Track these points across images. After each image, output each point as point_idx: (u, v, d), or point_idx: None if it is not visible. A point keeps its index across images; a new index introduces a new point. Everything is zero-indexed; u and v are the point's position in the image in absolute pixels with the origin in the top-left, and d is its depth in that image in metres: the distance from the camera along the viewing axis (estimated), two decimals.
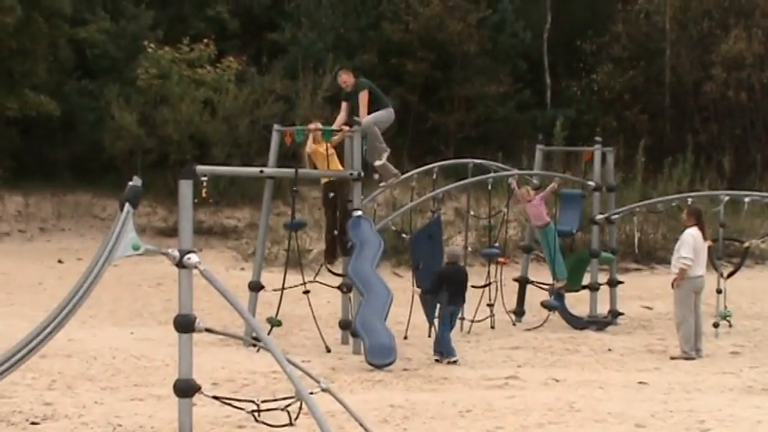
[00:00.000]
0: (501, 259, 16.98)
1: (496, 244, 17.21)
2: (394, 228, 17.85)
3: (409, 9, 30.53)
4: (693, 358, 13.81)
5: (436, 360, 13.28)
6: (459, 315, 15.63)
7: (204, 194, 12.65)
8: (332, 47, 28.71)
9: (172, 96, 25.04)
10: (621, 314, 17.56)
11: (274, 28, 29.83)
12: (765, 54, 31.63)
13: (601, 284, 17.39)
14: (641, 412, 9.89)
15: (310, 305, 13.97)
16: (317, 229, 20.94)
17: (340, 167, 14.40)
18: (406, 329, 14.95)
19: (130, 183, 6.78)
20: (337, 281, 14.35)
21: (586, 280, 17.47)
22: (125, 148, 24.69)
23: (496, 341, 15.15)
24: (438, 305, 13.81)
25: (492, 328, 16.12)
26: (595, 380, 12.02)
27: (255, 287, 14.50)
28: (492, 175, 17.24)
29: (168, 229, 23.63)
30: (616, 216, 18.03)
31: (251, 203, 24.41)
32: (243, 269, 20.97)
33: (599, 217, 17.44)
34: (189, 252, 6.65)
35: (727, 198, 16.99)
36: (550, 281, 17.07)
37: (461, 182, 17.47)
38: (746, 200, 17.41)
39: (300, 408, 7.27)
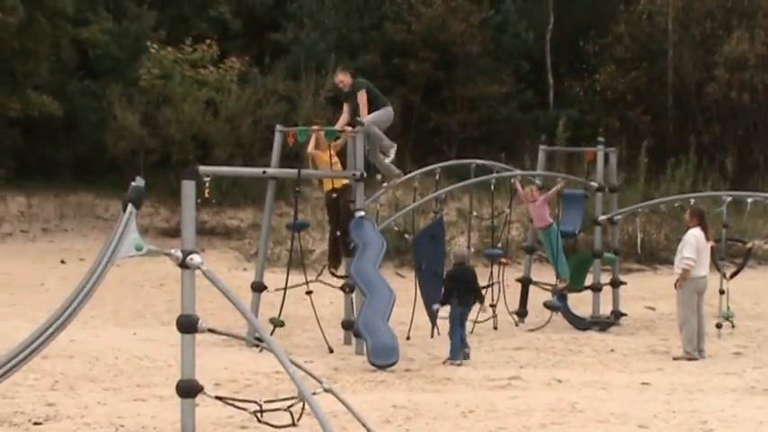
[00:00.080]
0: (503, 260, 16.98)
1: (499, 245, 17.21)
2: (396, 228, 17.84)
3: (412, 9, 30.54)
4: (696, 359, 13.81)
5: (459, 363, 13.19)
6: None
7: (207, 195, 12.65)
8: (334, 47, 28.71)
9: (174, 97, 25.03)
10: (624, 315, 17.55)
11: (277, 28, 29.83)
12: None
13: (603, 285, 17.38)
14: (644, 413, 9.89)
15: (313, 306, 13.97)
16: (320, 230, 20.95)
17: (343, 179, 14.41)
18: (409, 330, 14.95)
19: (133, 183, 6.78)
20: (340, 281, 14.36)
21: (589, 280, 17.46)
22: (128, 148, 24.68)
23: (499, 342, 15.14)
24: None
25: (495, 328, 16.11)
26: (598, 380, 12.01)
27: (258, 288, 14.50)
28: (495, 175, 17.23)
29: (171, 230, 23.63)
30: (619, 217, 18.02)
31: (254, 204, 24.40)
32: (245, 270, 20.96)
33: (602, 217, 17.43)
34: (192, 252, 6.65)
35: (729, 199, 16.97)
36: (553, 281, 17.06)
37: (464, 182, 17.46)
38: (749, 200, 17.39)
39: (303, 408, 7.27)
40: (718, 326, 15.84)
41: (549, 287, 17.08)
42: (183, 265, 6.65)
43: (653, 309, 18.96)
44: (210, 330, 6.82)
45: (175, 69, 25.28)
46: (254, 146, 24.97)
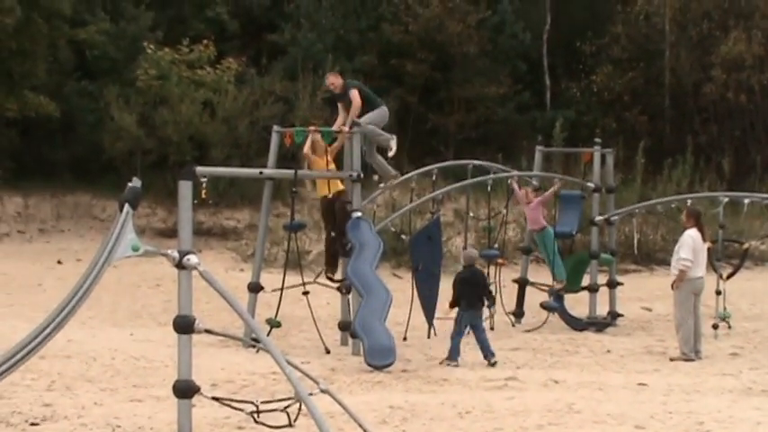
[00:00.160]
0: (500, 260, 16.98)
1: (496, 245, 17.22)
2: (393, 229, 17.85)
3: (409, 10, 30.55)
4: (693, 360, 13.81)
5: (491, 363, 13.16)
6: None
7: (204, 195, 12.65)
8: (332, 48, 28.71)
9: (171, 97, 25.04)
10: (621, 315, 17.56)
11: (274, 29, 29.83)
12: (765, 55, 31.65)
13: (600, 286, 17.39)
14: (641, 414, 9.89)
15: (309, 306, 13.97)
16: (317, 231, 20.94)
17: (339, 183, 14.41)
18: (406, 331, 14.95)
19: (130, 184, 6.79)
20: (337, 282, 14.37)
21: (586, 281, 17.47)
22: (125, 148, 24.68)
23: (496, 342, 15.08)
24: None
25: (491, 329, 16.09)
26: (595, 381, 12.01)
27: (255, 288, 14.50)
28: (491, 176, 17.24)
29: (168, 230, 23.62)
30: (615, 217, 18.04)
31: (250, 204, 24.40)
32: (242, 270, 20.97)
33: (598, 218, 17.45)
34: (188, 253, 6.66)
35: (726, 199, 16.99)
36: (550, 282, 17.07)
37: (461, 183, 17.48)
38: (746, 201, 17.41)
39: (300, 409, 7.28)
40: (715, 327, 15.86)
41: (546, 288, 17.09)
42: (180, 265, 6.66)
43: (649, 309, 18.97)
44: (207, 331, 6.82)
45: (172, 70, 25.28)
46: (251, 146, 24.98)
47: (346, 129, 14.28)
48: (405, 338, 14.73)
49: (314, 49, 28.73)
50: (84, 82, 26.45)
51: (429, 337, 15.13)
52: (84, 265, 6.93)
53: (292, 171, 14.29)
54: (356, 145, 14.10)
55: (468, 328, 13.52)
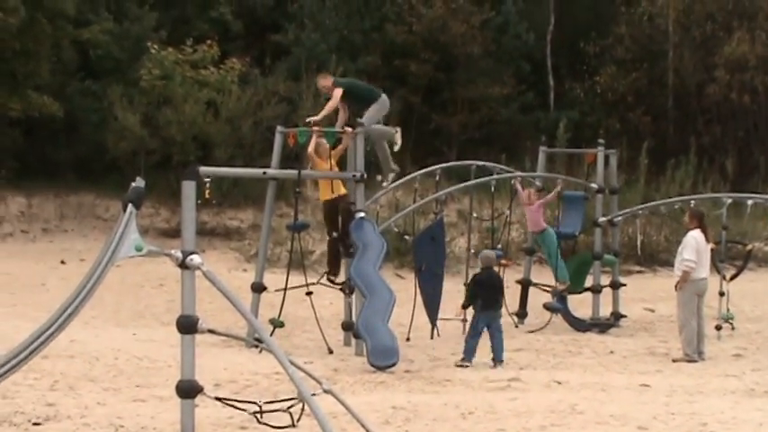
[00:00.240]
0: (504, 261, 16.98)
1: (499, 246, 17.21)
2: (396, 229, 17.86)
3: (412, 11, 30.55)
4: (696, 361, 13.81)
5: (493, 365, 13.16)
6: (462, 317, 15.69)
7: (207, 195, 12.66)
8: (335, 48, 28.71)
9: (175, 97, 25.04)
10: (624, 316, 17.55)
11: (277, 29, 29.83)
12: None
13: (603, 287, 17.38)
14: (643, 415, 9.89)
15: (313, 306, 13.97)
16: (320, 231, 20.91)
17: (342, 188, 14.41)
18: (409, 331, 14.96)
19: (133, 184, 6.78)
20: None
21: (589, 282, 17.46)
22: (128, 148, 24.68)
23: None
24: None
25: None
26: (598, 382, 12.01)
27: (258, 288, 14.51)
28: (495, 176, 17.23)
29: (171, 230, 23.63)
30: (619, 218, 18.04)
31: (254, 205, 24.41)
32: (245, 270, 20.96)
33: (602, 219, 17.44)
34: (192, 253, 6.66)
35: (729, 200, 16.98)
36: (553, 283, 17.06)
37: (464, 184, 17.47)
38: (749, 202, 17.40)
39: (303, 409, 7.28)
40: (718, 328, 15.85)
41: (549, 289, 17.09)
42: (183, 265, 6.65)
43: (652, 310, 18.97)
44: (210, 331, 6.82)
45: (176, 70, 25.28)
46: (255, 147, 24.97)
47: (349, 130, 14.28)
48: (408, 339, 14.74)
49: (317, 49, 28.74)
50: (87, 82, 26.46)
51: (432, 338, 15.14)
52: (88, 264, 6.93)
53: (296, 171, 14.30)
54: (359, 145, 14.10)
55: (496, 325, 13.49)
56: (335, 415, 8.45)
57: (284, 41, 29.44)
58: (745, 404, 10.69)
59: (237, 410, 7.92)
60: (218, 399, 7.48)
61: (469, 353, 13.22)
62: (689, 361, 13.78)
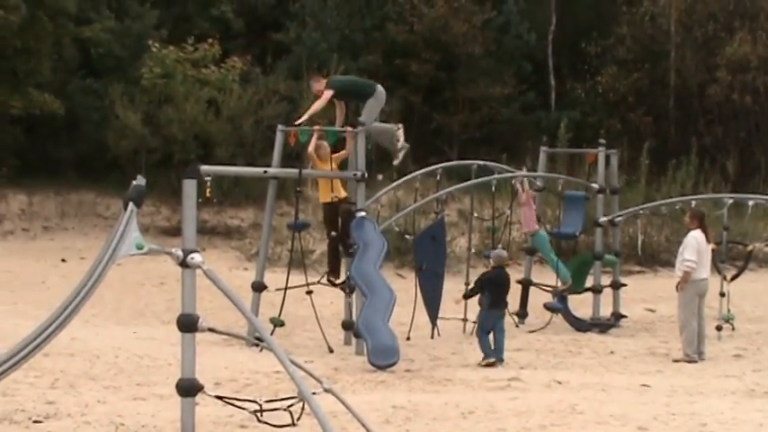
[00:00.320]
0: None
1: (500, 246, 17.19)
2: (397, 229, 17.85)
3: (414, 10, 30.55)
4: (696, 361, 13.80)
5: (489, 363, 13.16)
6: (462, 317, 15.70)
7: (208, 194, 12.66)
8: (336, 47, 28.71)
9: (176, 96, 25.05)
10: (624, 317, 17.54)
11: (279, 28, 29.84)
12: None
13: (604, 287, 17.37)
14: (644, 415, 9.89)
15: (313, 305, 13.97)
16: (321, 230, 20.93)
17: (342, 190, 14.41)
18: (409, 330, 14.95)
19: (134, 182, 6.78)
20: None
21: (589, 282, 17.45)
22: (129, 147, 24.69)
23: None
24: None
25: None
26: (598, 382, 12.01)
27: (258, 287, 14.50)
28: (496, 176, 17.23)
29: (172, 229, 23.64)
30: (619, 218, 18.02)
31: (255, 203, 24.42)
32: (246, 269, 20.97)
33: (602, 219, 17.42)
34: (192, 252, 6.66)
35: (730, 201, 16.97)
36: (553, 283, 17.06)
37: (465, 183, 17.47)
38: (750, 203, 17.39)
39: (303, 408, 7.27)
40: (719, 328, 15.85)
41: (550, 289, 17.08)
42: (184, 264, 6.66)
43: (653, 311, 18.96)
44: (211, 330, 6.82)
45: (177, 68, 25.29)
46: (256, 146, 24.97)
47: (350, 129, 14.28)
48: (408, 338, 14.73)
49: (318, 48, 28.74)
50: (88, 80, 26.47)
51: (432, 337, 15.14)
52: (88, 263, 6.93)
53: (297, 170, 14.30)
54: (360, 144, 14.09)
55: (500, 324, 13.50)
56: (336, 414, 8.46)
57: (285, 40, 29.44)
58: (745, 405, 10.69)
59: (238, 409, 7.92)
60: (218, 397, 7.49)
61: (487, 349, 13.21)
62: (689, 361, 13.78)
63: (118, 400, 10.21)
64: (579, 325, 16.65)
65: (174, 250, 6.68)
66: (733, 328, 16.40)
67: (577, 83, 32.88)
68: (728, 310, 16.23)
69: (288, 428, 7.71)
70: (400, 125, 14.95)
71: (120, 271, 17.42)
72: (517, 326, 16.71)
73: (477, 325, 13.87)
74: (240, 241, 23.82)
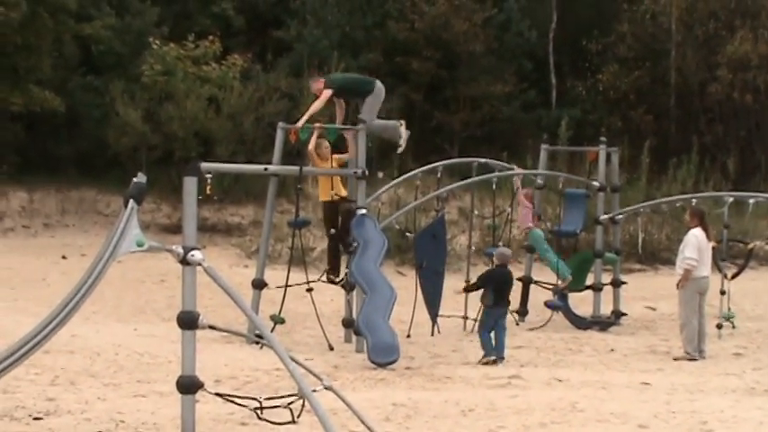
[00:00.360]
0: None
1: (500, 243, 17.20)
2: (398, 226, 17.85)
3: (415, 8, 30.52)
4: (696, 359, 13.80)
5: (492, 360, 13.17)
6: (463, 315, 15.71)
7: (208, 191, 12.66)
8: (337, 45, 28.69)
9: (177, 93, 25.04)
10: (625, 315, 17.55)
11: (279, 25, 29.82)
12: None
13: (604, 285, 17.38)
14: (644, 413, 9.89)
15: (313, 303, 13.97)
16: (321, 228, 20.94)
17: (342, 189, 14.40)
18: (409, 328, 14.96)
19: (135, 179, 6.79)
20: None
21: (590, 280, 17.45)
22: (130, 144, 24.69)
23: None
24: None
25: None
26: (598, 380, 12.01)
27: (259, 285, 14.50)
28: (496, 174, 17.23)
29: (172, 226, 23.63)
30: (620, 216, 18.02)
31: (255, 201, 24.42)
32: (246, 266, 20.97)
33: (603, 217, 17.43)
34: (193, 249, 6.66)
35: (731, 199, 16.97)
36: (553, 281, 17.06)
37: (466, 181, 17.47)
38: (751, 201, 17.39)
39: (303, 405, 7.27)
40: (719, 326, 15.85)
41: (550, 286, 17.08)
42: (185, 261, 6.66)
43: (653, 309, 18.97)
44: (211, 327, 6.83)
45: (178, 66, 25.29)
46: (256, 143, 24.97)
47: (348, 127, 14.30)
48: (408, 336, 14.74)
49: (319, 45, 28.73)
50: (89, 77, 26.46)
51: (432, 335, 15.15)
52: (89, 260, 6.94)
53: (297, 168, 14.29)
54: (361, 142, 14.09)
55: (502, 321, 13.51)
56: (336, 411, 8.46)
57: (286, 37, 29.42)
58: (745, 403, 10.69)
59: (238, 406, 7.92)
60: (218, 395, 7.49)
61: (488, 347, 13.21)
62: (690, 359, 13.78)
63: (118, 398, 10.21)
64: (580, 323, 16.65)
65: (174, 247, 6.68)
66: (733, 327, 16.40)
67: (578, 81, 32.86)
68: (729, 309, 16.23)
69: (288, 426, 7.71)
70: (402, 121, 14.93)
71: (120, 268, 17.37)
72: (517, 324, 16.70)
73: (478, 323, 13.86)
74: (240, 238, 23.82)
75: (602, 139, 17.96)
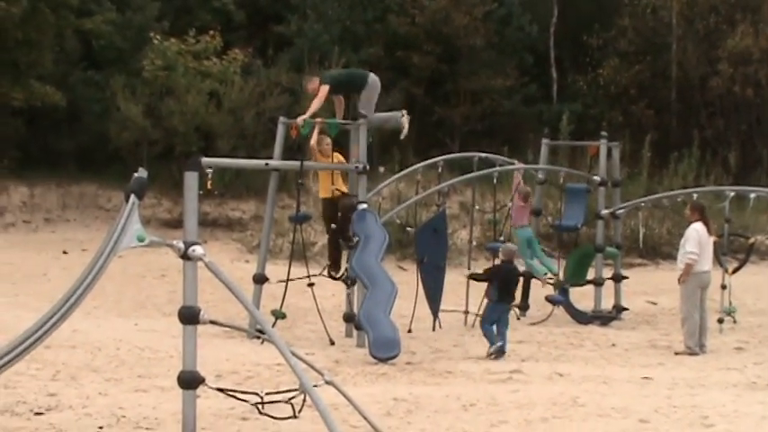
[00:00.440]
0: None
1: (501, 238, 17.20)
2: (399, 221, 17.84)
3: (415, 2, 30.51)
4: (697, 354, 13.80)
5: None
6: (464, 309, 15.71)
7: (209, 186, 12.65)
8: (338, 39, 28.67)
9: (177, 88, 25.03)
10: (626, 309, 17.55)
11: (280, 20, 29.80)
12: None
13: (605, 279, 17.38)
14: (645, 407, 9.89)
15: (314, 298, 13.96)
16: (322, 222, 20.95)
17: (343, 185, 14.39)
18: (410, 323, 14.96)
19: (136, 174, 6.79)
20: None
21: (591, 275, 17.45)
22: (131, 139, 24.69)
23: None
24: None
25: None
26: (599, 375, 12.01)
27: (260, 279, 14.50)
28: (497, 168, 17.22)
29: (173, 221, 23.63)
30: (621, 211, 18.01)
31: (256, 196, 24.41)
32: (247, 261, 20.97)
33: (604, 212, 17.42)
34: (194, 244, 6.66)
35: (732, 194, 16.96)
36: (554, 276, 17.09)
37: (466, 176, 17.46)
38: (752, 195, 17.38)
39: (304, 400, 7.28)
40: (720, 321, 15.85)
41: (551, 281, 17.09)
42: (186, 256, 6.66)
43: (655, 303, 18.97)
44: (212, 322, 6.83)
45: (179, 60, 25.27)
46: (257, 138, 24.97)
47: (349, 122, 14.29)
48: (409, 331, 14.74)
49: (320, 40, 28.71)
50: (90, 72, 26.45)
51: (434, 330, 15.14)
52: (90, 255, 6.94)
53: (298, 162, 14.28)
54: (362, 137, 14.08)
55: (505, 317, 13.51)
56: (337, 406, 8.46)
57: (287, 32, 29.40)
58: (746, 397, 10.69)
59: (239, 401, 7.93)
60: (219, 390, 7.49)
61: (491, 336, 13.20)
62: (691, 354, 13.78)
63: (119, 392, 10.22)
64: (581, 317, 16.65)
65: (175, 242, 6.68)
66: (734, 321, 16.40)
67: (579, 75, 32.86)
68: (730, 303, 16.23)
69: (289, 421, 7.72)
70: (404, 111, 14.89)
71: (121, 263, 17.43)
72: (518, 318, 16.71)
73: (481, 317, 13.83)
74: (241, 233, 23.82)
75: (603, 133, 17.95)
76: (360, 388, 10.72)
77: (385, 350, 12.60)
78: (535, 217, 18.16)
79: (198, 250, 6.64)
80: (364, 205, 13.96)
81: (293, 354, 6.89)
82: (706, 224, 14.15)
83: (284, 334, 13.21)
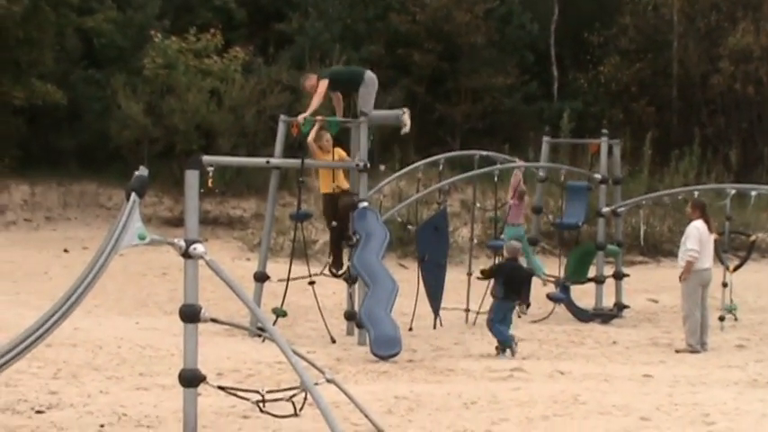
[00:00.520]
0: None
1: (502, 236, 17.19)
2: (400, 219, 17.86)
3: (416, 0, 30.50)
4: (699, 351, 13.80)
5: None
6: (465, 307, 15.72)
7: (210, 185, 12.65)
8: (339, 37, 28.69)
9: (178, 86, 25.04)
10: (627, 307, 17.54)
11: (281, 18, 29.81)
12: None
13: (606, 277, 17.37)
14: (646, 405, 9.89)
15: (315, 296, 13.96)
16: (323, 221, 20.94)
17: (344, 181, 14.39)
18: (411, 321, 14.96)
19: (137, 172, 6.79)
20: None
21: (592, 272, 17.44)
22: (131, 137, 24.71)
23: None
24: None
25: None
26: (600, 372, 12.01)
27: (261, 277, 14.50)
28: (498, 166, 17.23)
29: (174, 219, 23.64)
30: (622, 209, 18.01)
31: (257, 194, 24.42)
32: (248, 259, 20.97)
33: (605, 209, 17.41)
34: (195, 242, 6.66)
35: (733, 191, 16.95)
36: (556, 273, 17.08)
37: (468, 174, 17.45)
38: (753, 193, 17.36)
39: (305, 398, 7.29)
40: (722, 319, 15.84)
41: (552, 279, 17.09)
42: (186, 254, 6.66)
43: (656, 301, 18.97)
44: (213, 320, 6.84)
45: (179, 59, 25.29)
46: (258, 136, 24.98)
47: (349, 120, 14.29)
48: (410, 329, 14.74)
49: (321, 38, 28.72)
50: (91, 70, 26.47)
51: (435, 328, 15.14)
52: (91, 253, 6.94)
53: (299, 160, 14.27)
54: (363, 134, 14.08)
55: (509, 316, 13.51)
56: (338, 404, 8.46)
57: (288, 30, 29.41)
58: (747, 395, 10.69)
59: (240, 399, 7.93)
60: (220, 388, 7.50)
61: (505, 335, 13.18)
62: (692, 352, 13.78)
63: (120, 391, 10.22)
64: (582, 315, 16.65)
65: (176, 241, 6.68)
66: (736, 319, 16.40)
67: (580, 73, 32.86)
68: (731, 301, 16.23)
69: (290, 419, 7.72)
70: (405, 109, 14.87)
71: (122, 261, 17.43)
72: (519, 316, 16.70)
73: (488, 316, 13.79)
74: (242, 232, 23.83)
75: (604, 131, 17.94)
76: (361, 386, 10.72)
77: (386, 348, 12.60)
78: (536, 215, 18.17)
79: (199, 248, 6.64)
80: (365, 203, 13.96)
81: (294, 352, 6.89)
82: (707, 222, 14.14)
83: (285, 332, 13.21)
